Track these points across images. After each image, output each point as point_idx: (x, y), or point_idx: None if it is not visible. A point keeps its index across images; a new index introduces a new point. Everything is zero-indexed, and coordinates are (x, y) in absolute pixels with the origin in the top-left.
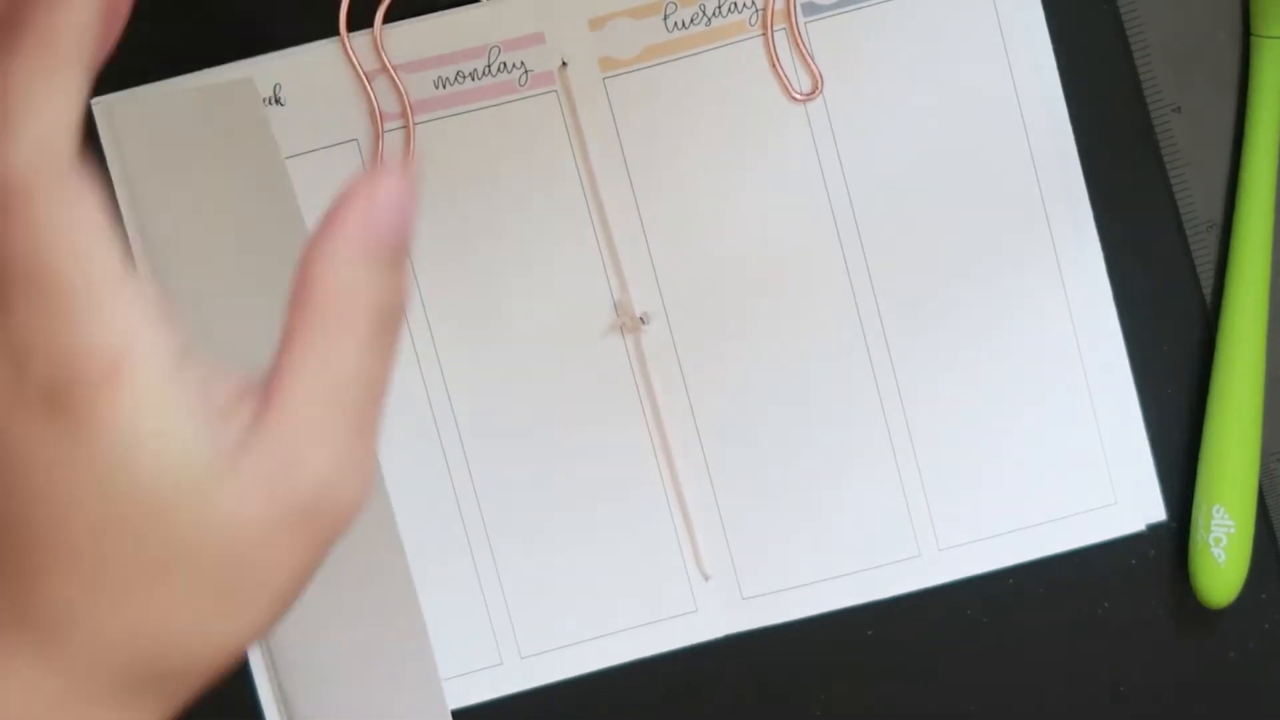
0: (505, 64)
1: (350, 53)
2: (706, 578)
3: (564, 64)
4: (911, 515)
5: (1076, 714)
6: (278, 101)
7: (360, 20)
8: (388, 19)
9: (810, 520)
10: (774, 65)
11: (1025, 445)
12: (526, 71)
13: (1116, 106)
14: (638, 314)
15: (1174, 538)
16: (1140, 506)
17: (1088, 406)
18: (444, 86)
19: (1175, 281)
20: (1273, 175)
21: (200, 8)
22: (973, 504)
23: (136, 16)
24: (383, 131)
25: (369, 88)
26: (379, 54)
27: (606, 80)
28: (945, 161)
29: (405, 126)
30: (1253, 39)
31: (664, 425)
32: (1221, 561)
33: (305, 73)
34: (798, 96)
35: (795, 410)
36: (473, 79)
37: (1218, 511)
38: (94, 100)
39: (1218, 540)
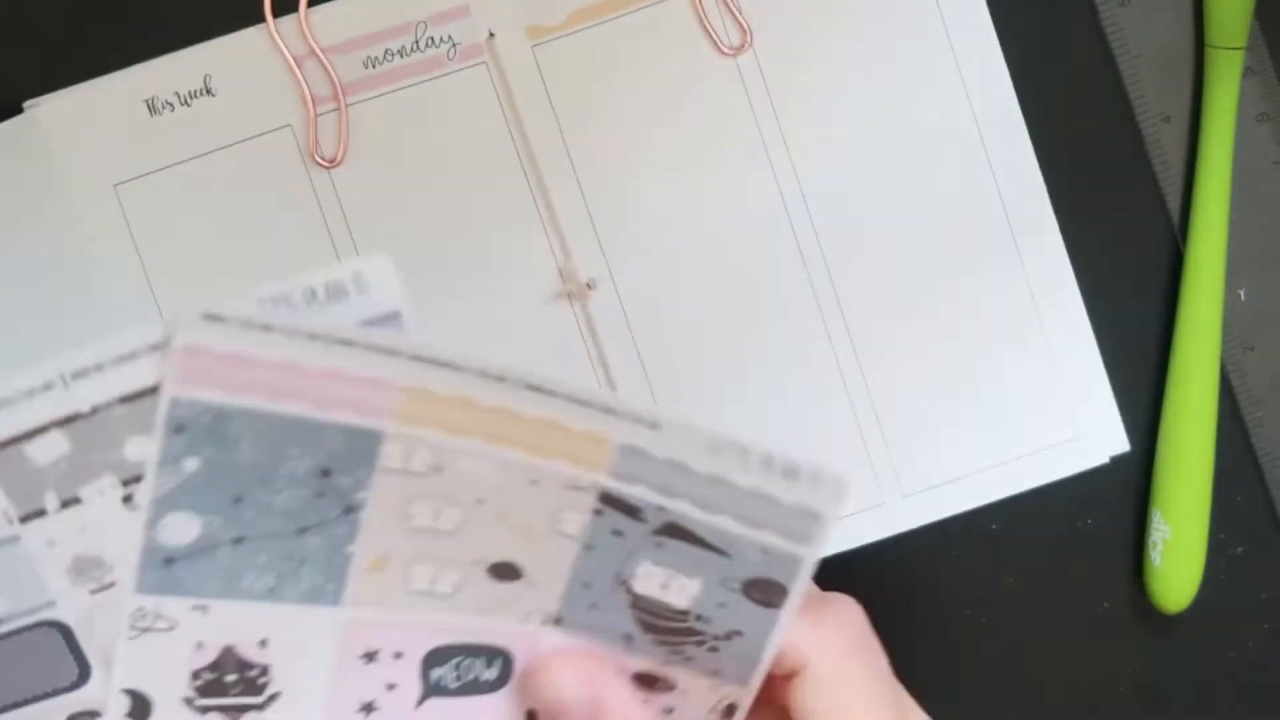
0: (433, 39)
1: (277, 38)
2: None
3: (491, 35)
4: (873, 464)
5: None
6: (208, 92)
7: (286, 4)
8: (312, 1)
9: None
10: (701, 20)
11: (982, 387)
12: (455, 45)
13: (1106, 118)
14: (584, 280)
15: None
16: (1104, 439)
17: (1042, 344)
18: (374, 66)
19: (1149, 294)
20: (1226, 187)
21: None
22: (933, 450)
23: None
24: (315, 115)
25: (298, 72)
26: (306, 37)
27: (535, 48)
28: (883, 105)
29: (338, 109)
30: (1207, 49)
31: (618, 390)
32: (1157, 565)
33: (234, 61)
34: (727, 51)
35: (750, 367)
36: (401, 56)
37: (1155, 515)
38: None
39: (1154, 544)
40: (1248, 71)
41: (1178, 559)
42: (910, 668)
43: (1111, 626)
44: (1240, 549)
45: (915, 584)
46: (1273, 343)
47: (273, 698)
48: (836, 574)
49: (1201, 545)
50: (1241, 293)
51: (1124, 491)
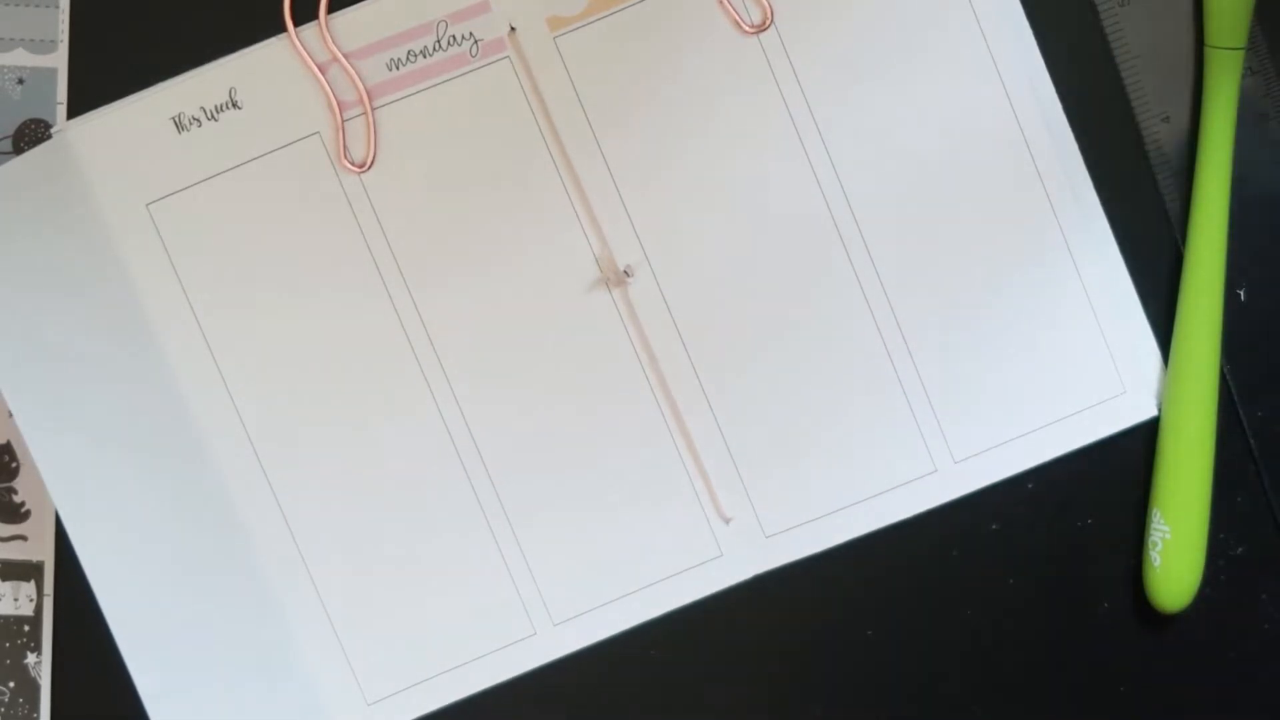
0: (455, 37)
1: (299, 47)
2: (727, 521)
3: (512, 29)
4: (923, 431)
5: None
6: (235, 105)
7: (306, 13)
8: (332, 8)
9: (823, 450)
10: (721, 0)
11: (1025, 348)
12: (476, 42)
13: (1106, 117)
14: (621, 267)
15: None
16: (1150, 393)
17: (1084, 301)
18: (397, 68)
19: (1149, 294)
20: (1226, 187)
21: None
22: (981, 413)
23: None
24: (342, 121)
25: (323, 79)
26: (328, 44)
27: (557, 39)
28: (908, 75)
29: (364, 113)
30: (1206, 49)
31: (663, 375)
32: (1157, 565)
33: (258, 73)
34: (749, 29)
35: (792, 342)
36: (424, 56)
37: (1155, 515)
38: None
39: (1154, 544)
40: (1248, 71)
41: (1178, 559)
42: (911, 668)
43: (1111, 626)
44: (1240, 549)
45: (916, 583)
46: (1273, 343)
47: None
48: (837, 573)
49: (1201, 545)
50: (1241, 293)
51: (1124, 491)
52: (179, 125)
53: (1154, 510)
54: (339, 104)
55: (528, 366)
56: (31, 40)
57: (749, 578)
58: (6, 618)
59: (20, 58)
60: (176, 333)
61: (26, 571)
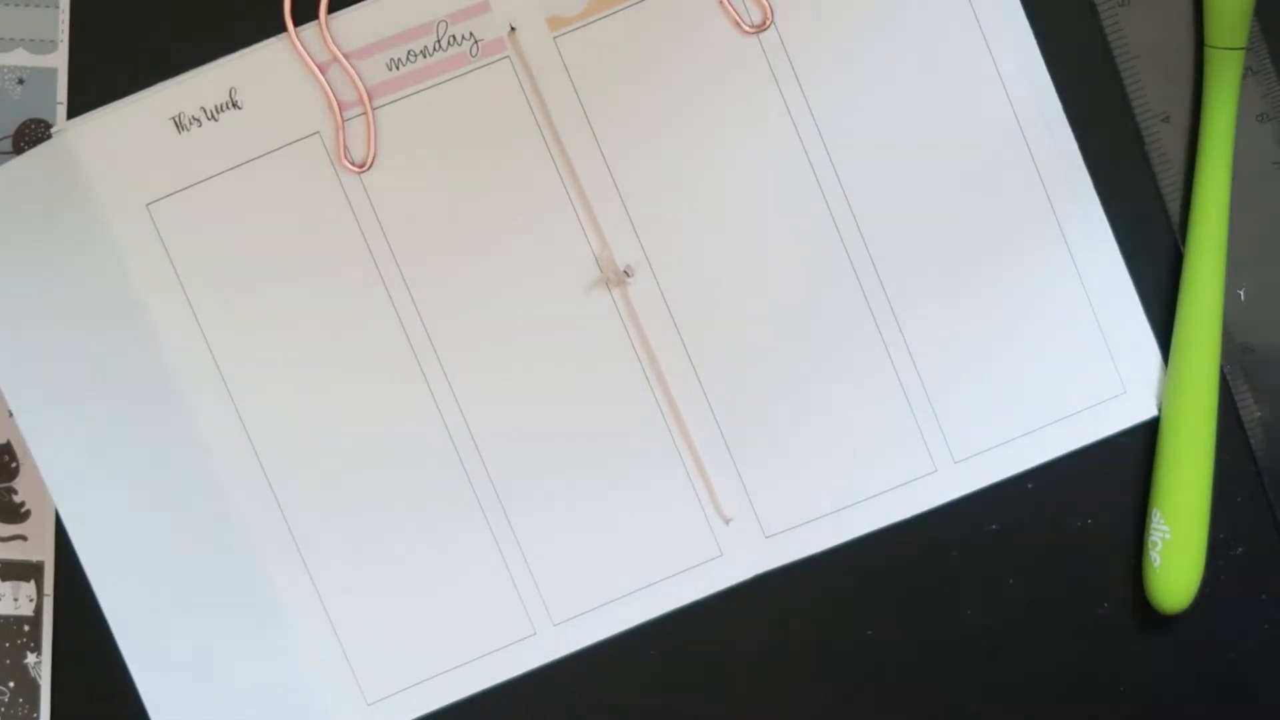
0: (455, 37)
1: (300, 47)
2: (727, 521)
3: (512, 29)
4: (923, 431)
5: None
6: (235, 105)
7: (306, 13)
8: (332, 8)
9: (823, 450)
10: (721, 0)
11: (1025, 348)
12: (477, 42)
13: (1106, 117)
14: (621, 267)
15: None
16: (1150, 393)
17: (1084, 301)
18: (397, 68)
19: (1149, 294)
20: (1226, 187)
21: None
22: (981, 413)
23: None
24: (342, 121)
25: (323, 79)
26: (328, 44)
27: (557, 39)
28: (909, 75)
29: (364, 113)
30: (1207, 49)
31: (663, 375)
32: (1156, 565)
33: (258, 73)
34: (748, 29)
35: (792, 343)
36: (424, 56)
37: (1155, 515)
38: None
39: (1154, 544)
40: (1248, 71)
41: (1178, 559)
42: (911, 667)
43: (1111, 626)
44: (1240, 549)
45: (916, 583)
46: (1273, 343)
47: None
48: (837, 573)
49: (1201, 545)
50: (1241, 293)
51: (1124, 491)
52: (179, 125)
53: (1154, 510)
54: (339, 104)
55: (528, 366)
56: (31, 40)
57: (749, 578)
58: (6, 618)
59: (20, 58)
60: (176, 333)
61: (26, 571)
